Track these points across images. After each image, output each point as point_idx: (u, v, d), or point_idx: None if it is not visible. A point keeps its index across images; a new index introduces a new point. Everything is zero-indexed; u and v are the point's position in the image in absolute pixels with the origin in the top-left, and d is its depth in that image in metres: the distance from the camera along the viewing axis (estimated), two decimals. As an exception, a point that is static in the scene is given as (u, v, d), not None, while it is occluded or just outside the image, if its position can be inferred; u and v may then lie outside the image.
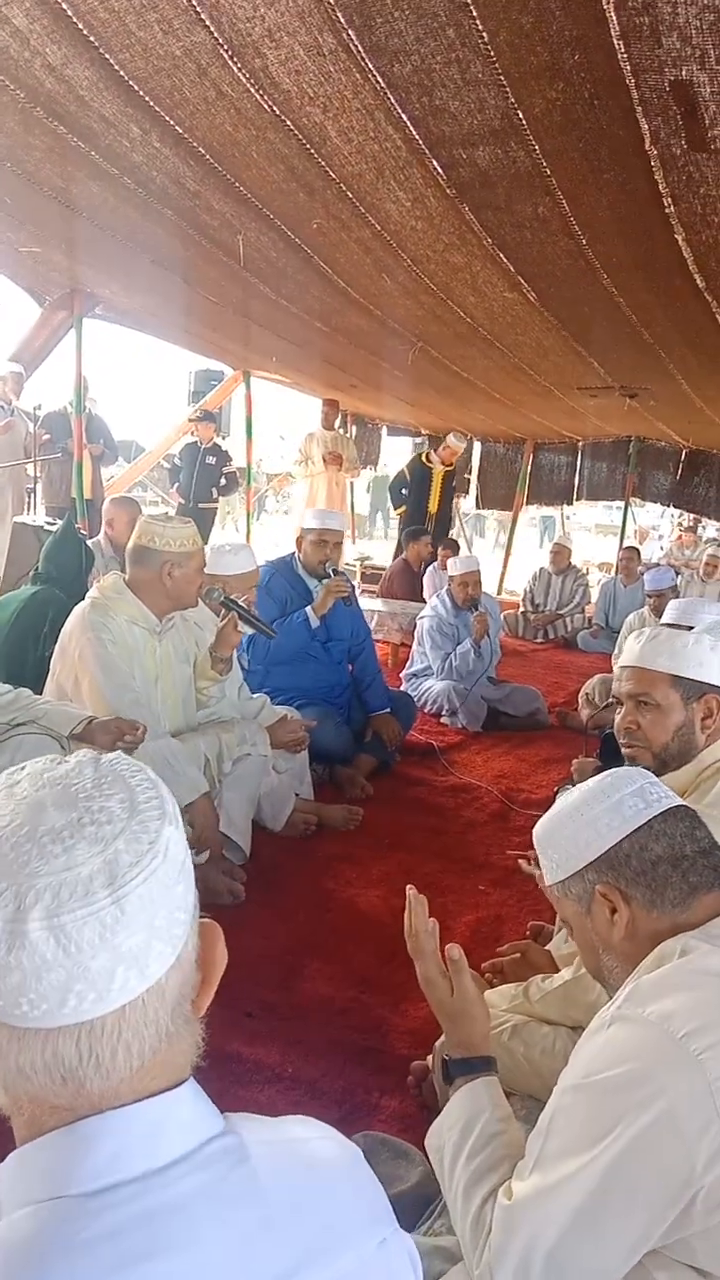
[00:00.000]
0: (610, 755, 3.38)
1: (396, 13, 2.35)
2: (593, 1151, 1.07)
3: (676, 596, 6.01)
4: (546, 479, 11.46)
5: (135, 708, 2.94)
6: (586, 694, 5.68)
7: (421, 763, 4.73)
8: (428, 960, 1.52)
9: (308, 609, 4.25)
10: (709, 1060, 1.05)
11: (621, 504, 11.23)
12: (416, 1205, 1.58)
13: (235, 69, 2.76)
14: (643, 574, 7.68)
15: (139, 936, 0.66)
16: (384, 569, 9.17)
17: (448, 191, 3.47)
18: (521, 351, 6.20)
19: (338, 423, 9.84)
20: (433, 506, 9.26)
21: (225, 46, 2.64)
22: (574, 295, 4.64)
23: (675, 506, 11.01)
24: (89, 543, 4.32)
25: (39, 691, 3.02)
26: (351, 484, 10.78)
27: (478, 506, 12.46)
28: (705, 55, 2.30)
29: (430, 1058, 2.12)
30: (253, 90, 2.88)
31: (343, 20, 2.42)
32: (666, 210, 3.32)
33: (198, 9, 2.47)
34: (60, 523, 4.43)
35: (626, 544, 10.31)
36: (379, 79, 2.70)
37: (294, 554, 4.48)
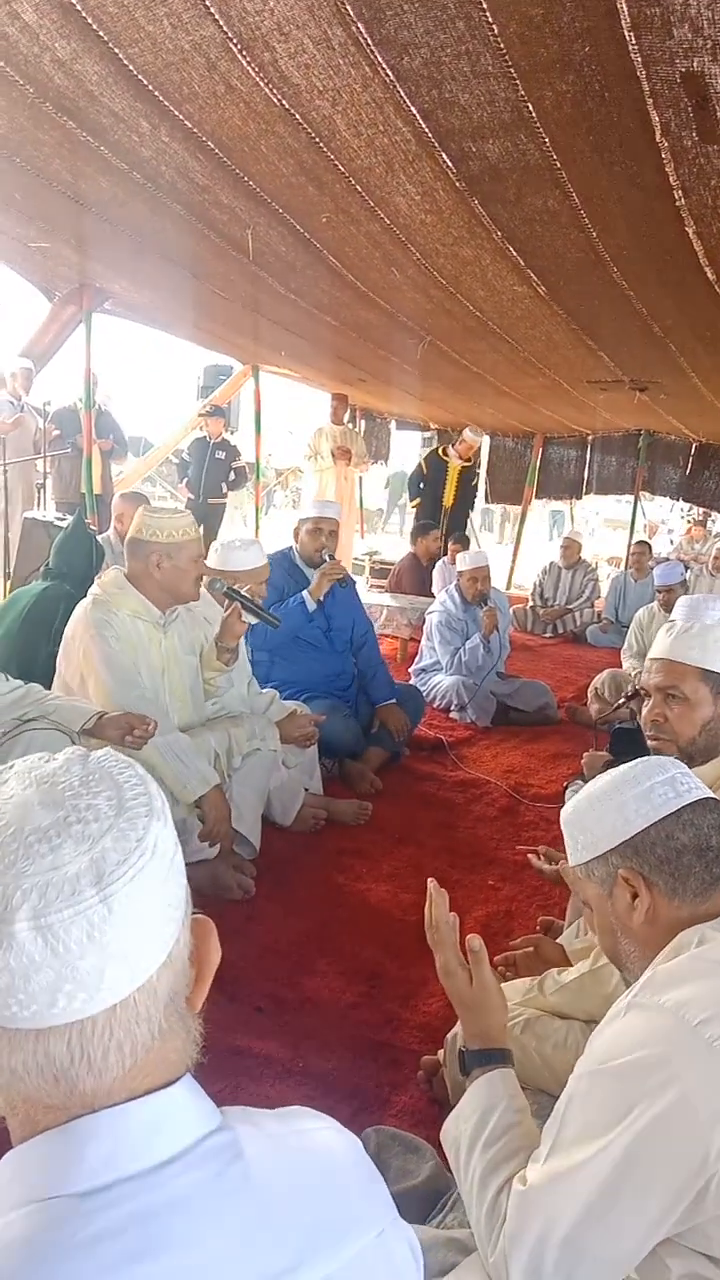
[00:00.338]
0: (620, 750, 3.38)
1: (406, 5, 2.34)
2: (607, 1138, 1.07)
3: (686, 592, 5.98)
4: (556, 473, 11.42)
5: (142, 704, 2.94)
6: (596, 689, 5.67)
7: (431, 758, 4.73)
8: (448, 951, 1.53)
9: (304, 593, 4.31)
10: None
11: (631, 498, 11.19)
12: (428, 1200, 1.58)
13: (244, 63, 2.75)
14: (653, 569, 7.65)
15: (128, 935, 0.66)
16: (393, 564, 9.16)
17: (457, 185, 3.46)
18: (531, 345, 6.18)
19: (346, 417, 9.83)
20: (447, 500, 9.26)
21: (234, 40, 2.64)
22: (584, 289, 4.63)
23: (685, 500, 10.95)
24: (99, 538, 4.32)
25: (50, 687, 3.02)
26: (360, 479, 10.77)
27: (487, 500, 12.43)
28: (717, 47, 2.28)
29: (441, 1052, 2.12)
30: (262, 84, 2.87)
31: (352, 13, 2.41)
32: (677, 203, 3.30)
33: (207, 3, 2.47)
34: (70, 518, 4.44)
35: (637, 539, 10.28)
36: (388, 72, 2.70)
37: (291, 547, 4.53)
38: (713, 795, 1.37)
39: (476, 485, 10.18)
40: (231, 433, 9.92)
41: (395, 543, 13.82)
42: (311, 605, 4.30)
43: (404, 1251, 0.77)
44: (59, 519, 5.61)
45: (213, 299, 6.18)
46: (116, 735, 2.71)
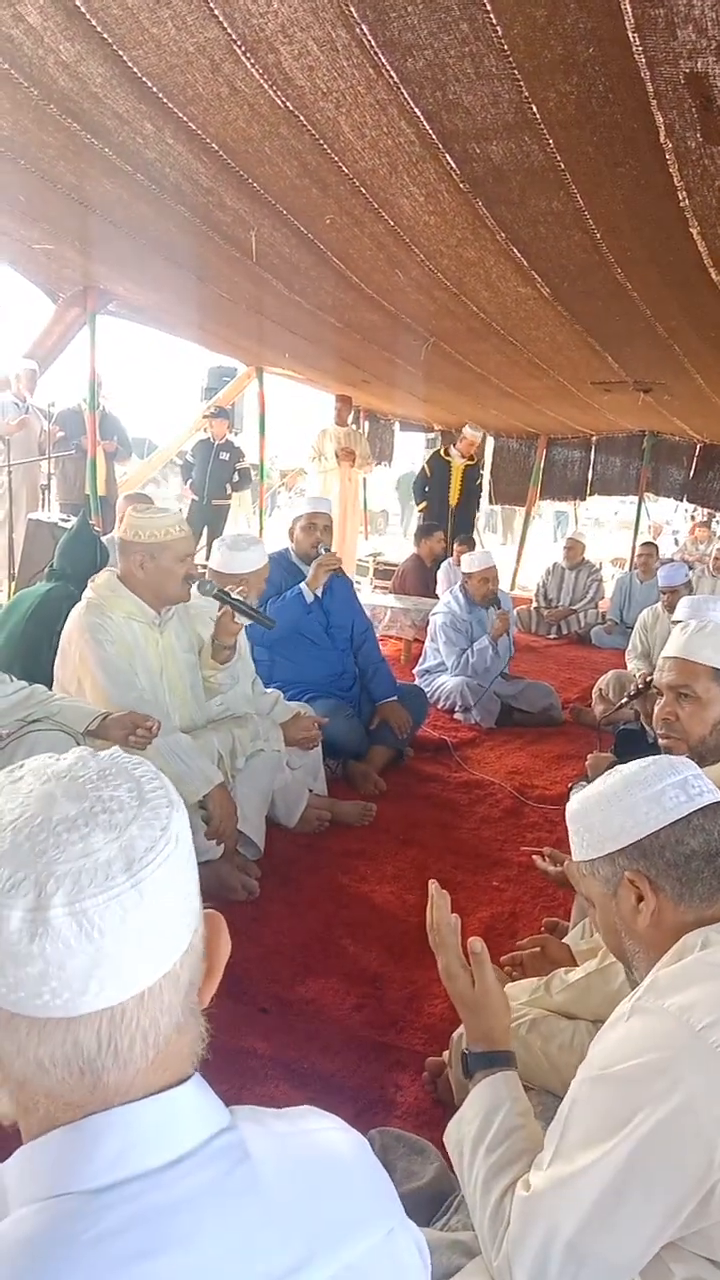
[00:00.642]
0: (625, 751, 3.37)
1: (410, 7, 2.35)
2: (611, 1142, 1.07)
3: (690, 593, 5.97)
4: (559, 474, 11.43)
5: (141, 705, 2.91)
6: (600, 690, 5.65)
7: (435, 759, 4.73)
8: (449, 953, 1.52)
9: (301, 585, 4.33)
10: None
11: (635, 499, 11.18)
12: (432, 1201, 1.58)
13: (248, 65, 2.76)
14: (658, 569, 7.64)
15: (156, 921, 0.67)
16: (397, 565, 9.17)
17: (461, 186, 3.47)
18: (535, 346, 6.18)
19: (350, 419, 9.84)
20: (453, 500, 9.25)
21: (238, 42, 2.64)
22: (588, 290, 4.63)
23: (689, 501, 10.95)
24: (103, 539, 4.32)
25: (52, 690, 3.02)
26: (364, 480, 10.78)
27: (491, 502, 12.43)
28: (721, 47, 2.29)
29: (446, 1053, 2.12)
30: (266, 86, 2.88)
31: (356, 15, 2.42)
32: (682, 204, 3.30)
33: (211, 5, 2.47)
34: (75, 519, 4.44)
35: (644, 540, 10.27)
36: (392, 74, 2.70)
37: (287, 547, 4.55)
38: None
39: (481, 484, 10.17)
40: (236, 434, 9.92)
41: (399, 544, 13.81)
42: (309, 596, 4.32)
43: (411, 1252, 0.77)
44: (63, 520, 5.62)
45: (217, 301, 6.19)
46: (120, 736, 2.71)
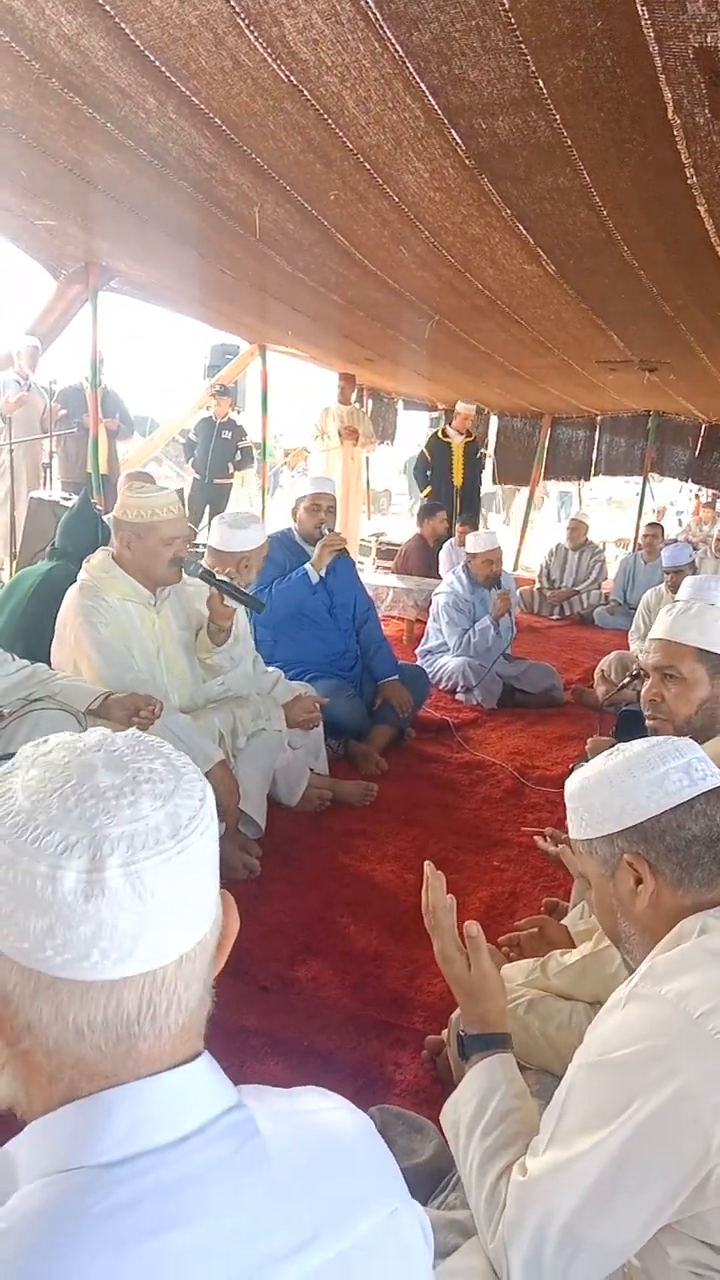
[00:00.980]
0: (626, 733, 3.38)
1: (416, -21, 2.32)
2: (608, 1128, 1.08)
3: (694, 573, 5.96)
4: (564, 454, 11.38)
5: (138, 686, 2.91)
6: (602, 671, 5.66)
7: (436, 739, 4.74)
8: (445, 936, 1.52)
9: (307, 565, 4.33)
10: None
11: (639, 479, 11.14)
12: (431, 1179, 1.59)
13: (252, 38, 2.72)
14: (662, 550, 7.62)
15: (195, 888, 0.70)
16: (400, 545, 9.15)
17: (466, 162, 3.43)
18: (540, 324, 6.14)
19: (354, 397, 9.79)
20: (457, 480, 9.19)
21: (242, 15, 2.61)
22: (594, 268, 4.59)
23: (694, 482, 10.90)
24: (105, 518, 4.31)
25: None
26: (366, 459, 10.73)
27: (494, 481, 12.39)
28: (731, 21, 2.26)
29: (445, 1032, 2.14)
30: (269, 59, 2.84)
31: (361, -13, 2.38)
32: (689, 181, 3.27)
33: (214, -24, 2.44)
34: (76, 498, 4.43)
35: (649, 520, 10.23)
36: (397, 47, 2.67)
37: (290, 527, 4.53)
38: None
39: (484, 459, 10.11)
40: (238, 412, 9.88)
41: (402, 524, 13.77)
42: (315, 577, 4.32)
43: (415, 1232, 0.78)
44: (65, 499, 5.60)
45: (220, 277, 6.15)
46: (123, 716, 2.71)
